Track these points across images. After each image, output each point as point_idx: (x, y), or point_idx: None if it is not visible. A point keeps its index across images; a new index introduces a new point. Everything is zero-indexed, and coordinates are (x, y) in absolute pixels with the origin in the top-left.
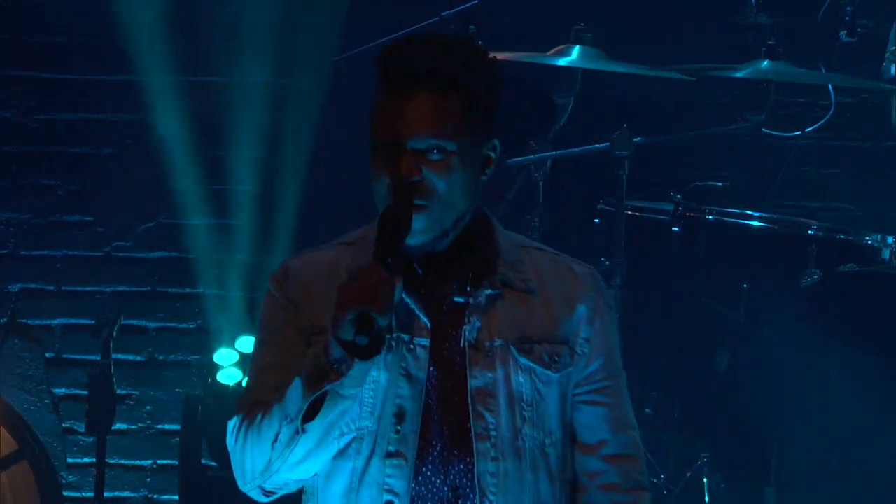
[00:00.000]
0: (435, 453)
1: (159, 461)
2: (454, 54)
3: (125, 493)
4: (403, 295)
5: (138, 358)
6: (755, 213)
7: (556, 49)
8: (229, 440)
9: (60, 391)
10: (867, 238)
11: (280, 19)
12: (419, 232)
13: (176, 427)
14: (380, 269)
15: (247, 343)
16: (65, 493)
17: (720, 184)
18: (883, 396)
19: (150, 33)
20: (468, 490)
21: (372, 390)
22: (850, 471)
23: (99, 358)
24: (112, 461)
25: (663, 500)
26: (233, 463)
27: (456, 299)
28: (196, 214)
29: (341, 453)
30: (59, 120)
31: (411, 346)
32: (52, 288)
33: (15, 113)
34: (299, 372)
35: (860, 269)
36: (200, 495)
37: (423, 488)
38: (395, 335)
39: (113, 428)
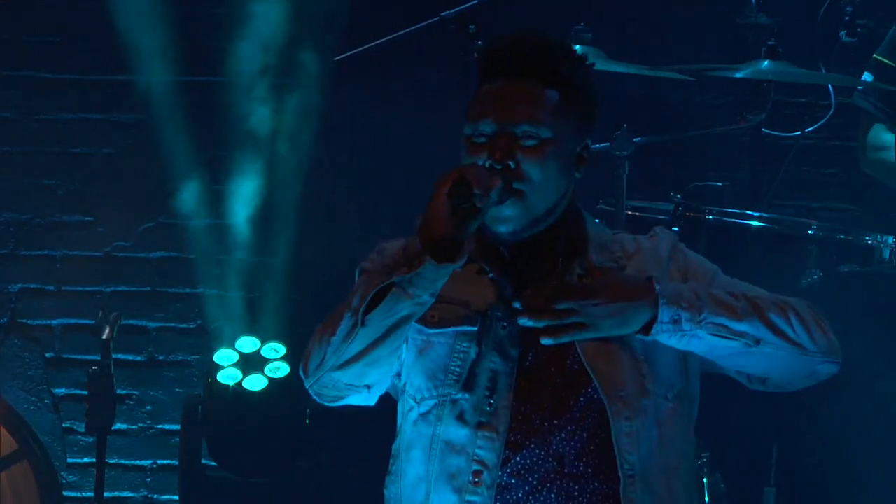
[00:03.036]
0: (534, 427)
1: (159, 461)
2: (556, 50)
3: (125, 493)
4: (491, 275)
5: (138, 358)
6: (755, 213)
7: None
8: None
9: (60, 391)
10: (867, 238)
11: (280, 19)
12: (511, 219)
13: (176, 427)
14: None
15: (247, 343)
16: (65, 493)
17: (720, 184)
18: (883, 396)
19: (149, 33)
20: (572, 458)
21: (460, 360)
22: (850, 471)
23: (99, 358)
24: (112, 461)
25: None
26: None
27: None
28: (196, 214)
29: (423, 418)
30: (59, 120)
31: (504, 325)
32: (52, 288)
33: (15, 113)
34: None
35: (860, 269)
36: (200, 495)
37: (528, 461)
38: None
39: (113, 428)
